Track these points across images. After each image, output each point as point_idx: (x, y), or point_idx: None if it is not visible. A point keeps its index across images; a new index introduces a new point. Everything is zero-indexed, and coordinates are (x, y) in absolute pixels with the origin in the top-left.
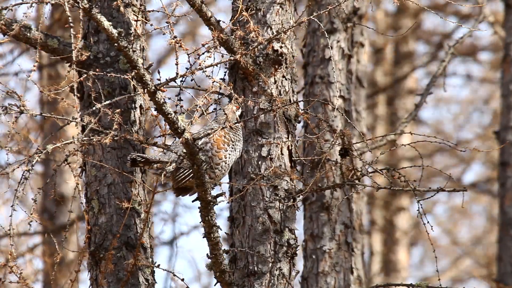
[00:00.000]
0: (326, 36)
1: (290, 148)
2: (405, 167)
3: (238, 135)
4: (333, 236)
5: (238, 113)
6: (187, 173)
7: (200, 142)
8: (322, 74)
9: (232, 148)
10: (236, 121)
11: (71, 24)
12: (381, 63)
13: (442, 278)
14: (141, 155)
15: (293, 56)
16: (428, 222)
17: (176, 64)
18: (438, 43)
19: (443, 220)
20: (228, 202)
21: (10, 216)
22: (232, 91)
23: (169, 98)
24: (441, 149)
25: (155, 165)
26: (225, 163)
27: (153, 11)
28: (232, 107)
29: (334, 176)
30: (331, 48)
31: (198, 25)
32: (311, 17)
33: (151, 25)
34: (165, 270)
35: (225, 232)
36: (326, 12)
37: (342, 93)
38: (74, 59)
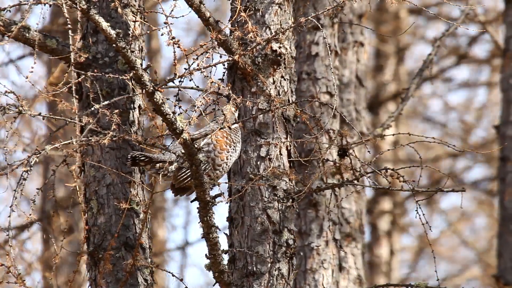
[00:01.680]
0: (323, 33)
1: (288, 148)
2: (404, 167)
3: (238, 136)
4: (321, 233)
5: (237, 114)
6: (189, 173)
7: (202, 143)
8: (308, 70)
9: (233, 149)
10: (234, 122)
11: (70, 26)
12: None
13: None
14: (144, 153)
15: (291, 57)
16: (426, 222)
17: (174, 65)
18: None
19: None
20: (226, 203)
21: (9, 216)
22: (231, 92)
23: (167, 99)
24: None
25: (157, 165)
26: (226, 164)
27: (151, 12)
28: (230, 107)
29: (320, 173)
30: (318, 44)
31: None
32: (310, 17)
33: (150, 26)
34: (163, 270)
35: (224, 233)
36: (324, 12)
37: (329, 89)
38: (72, 61)
